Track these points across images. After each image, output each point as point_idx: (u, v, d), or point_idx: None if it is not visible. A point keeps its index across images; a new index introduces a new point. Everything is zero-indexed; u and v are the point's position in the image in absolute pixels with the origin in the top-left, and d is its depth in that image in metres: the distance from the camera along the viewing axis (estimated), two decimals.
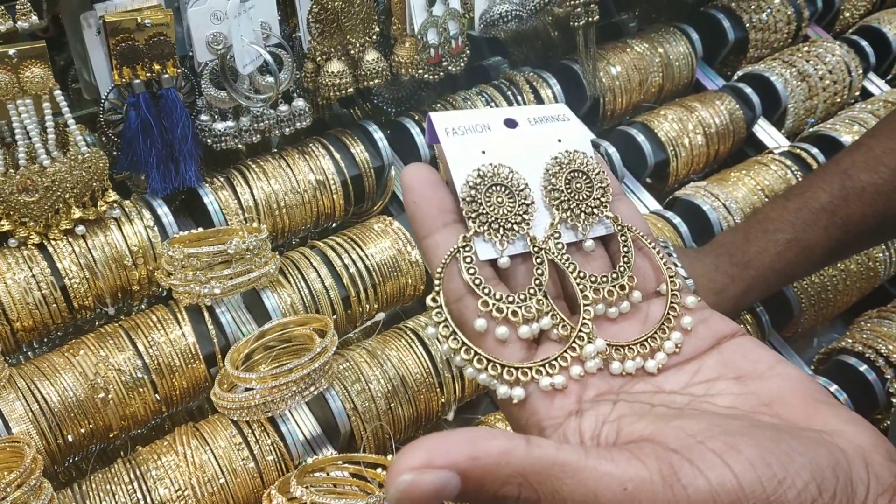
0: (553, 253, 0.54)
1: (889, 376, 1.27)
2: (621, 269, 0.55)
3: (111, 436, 1.07)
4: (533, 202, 0.54)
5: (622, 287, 0.54)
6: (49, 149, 1.08)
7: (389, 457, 1.05)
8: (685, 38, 1.68)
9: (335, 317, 1.18)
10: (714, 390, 0.48)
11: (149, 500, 0.97)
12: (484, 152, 0.54)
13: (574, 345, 0.51)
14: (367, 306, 1.22)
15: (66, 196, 1.09)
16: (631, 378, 0.51)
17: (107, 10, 1.10)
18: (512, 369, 0.49)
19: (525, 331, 0.51)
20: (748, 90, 1.64)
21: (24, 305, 1.08)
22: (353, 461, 1.05)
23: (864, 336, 1.33)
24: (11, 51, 1.01)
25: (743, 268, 1.04)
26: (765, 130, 1.66)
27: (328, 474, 1.03)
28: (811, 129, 1.67)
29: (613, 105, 1.59)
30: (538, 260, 0.53)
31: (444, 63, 1.33)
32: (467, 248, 0.52)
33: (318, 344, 1.05)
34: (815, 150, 1.56)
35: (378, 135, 1.34)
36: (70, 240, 1.12)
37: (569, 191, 0.55)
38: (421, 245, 0.53)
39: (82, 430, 1.03)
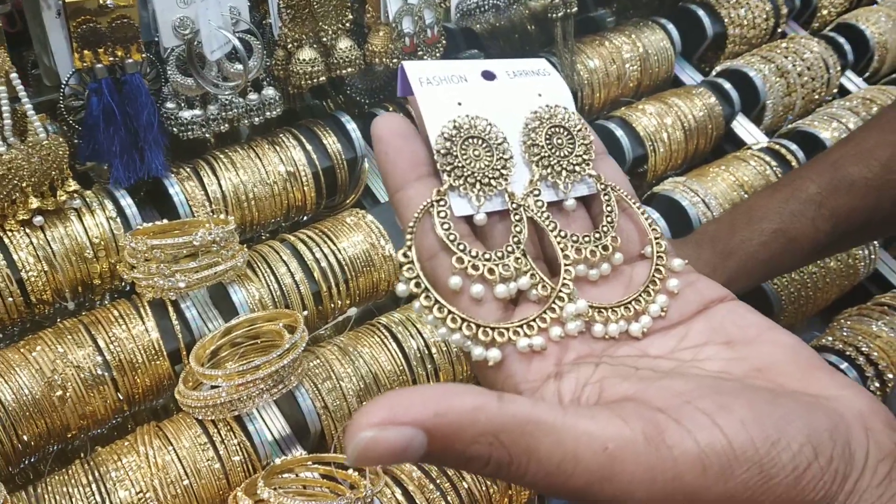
0: (532, 210, 0.51)
1: (870, 374, 1.25)
2: (604, 228, 0.52)
3: (69, 436, 1.02)
4: (511, 157, 0.51)
5: (605, 248, 0.51)
6: (6, 135, 1.03)
7: None
8: (664, 32, 1.66)
9: (306, 313, 1.14)
10: (702, 355, 0.45)
11: (108, 502, 0.93)
12: (460, 104, 0.51)
13: (554, 305, 0.48)
14: (339, 302, 1.18)
15: (24, 185, 1.04)
16: (614, 342, 0.48)
17: None
18: (488, 329, 0.46)
19: (502, 290, 0.48)
20: (727, 85, 1.62)
21: None
22: (323, 462, 1.00)
23: (845, 334, 1.31)
24: None
25: (725, 257, 1.01)
26: (743, 126, 1.64)
27: (297, 475, 0.99)
28: (790, 126, 1.65)
29: (591, 99, 1.56)
30: (517, 217, 0.50)
31: (420, 53, 1.30)
32: (441, 203, 0.49)
33: (287, 340, 1.01)
34: (794, 147, 1.54)
35: (351, 125, 1.30)
36: (27, 231, 1.07)
37: (549, 147, 0.52)
38: (392, 199, 0.50)
39: (38, 430, 0.98)
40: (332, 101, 1.47)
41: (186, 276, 1.05)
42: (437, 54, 1.32)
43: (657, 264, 0.51)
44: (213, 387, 1.00)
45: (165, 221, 1.12)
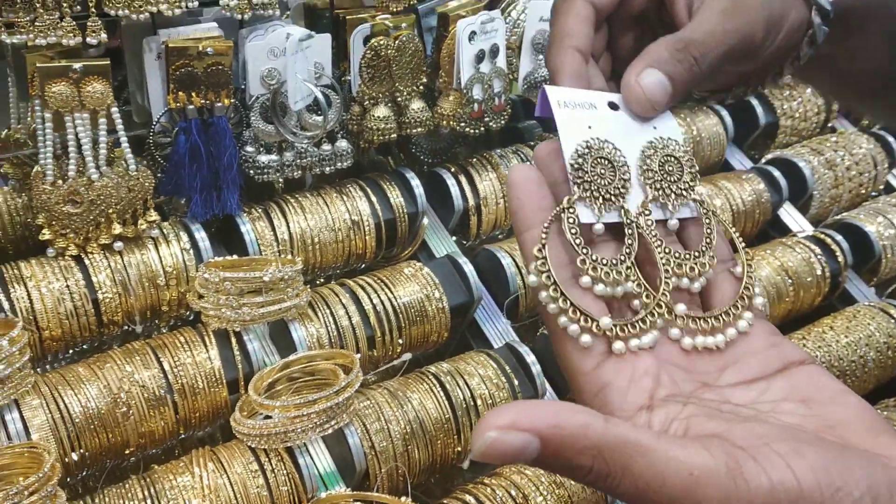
0: (642, 227, 0.57)
1: None
2: (703, 248, 0.58)
3: (126, 452, 1.07)
4: (629, 178, 0.58)
5: (703, 265, 0.57)
6: (99, 163, 1.10)
7: (403, 499, 1.04)
8: (717, 117, 1.71)
9: (359, 355, 1.18)
10: (780, 409, 0.50)
11: None
12: (590, 127, 0.58)
13: (654, 311, 0.54)
14: (392, 347, 1.22)
15: (109, 211, 1.11)
16: (701, 386, 0.52)
17: (170, 35, 1.14)
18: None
19: (617, 291, 0.54)
20: (776, 173, 1.67)
21: (56, 315, 1.09)
22: (366, 500, 1.04)
23: None
24: (77, 65, 1.04)
25: None
26: (790, 214, 1.68)
27: None
28: (836, 217, 1.69)
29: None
30: (629, 231, 0.56)
31: (486, 119, 1.36)
32: (571, 210, 0.55)
33: (342, 379, 1.05)
34: (839, 237, 1.58)
35: (415, 182, 1.36)
36: (107, 254, 1.13)
37: (662, 172, 0.59)
38: (520, 238, 0.56)
39: (100, 443, 1.03)
40: (395, 158, 1.54)
41: (252, 309, 1.10)
42: (502, 121, 1.39)
43: (746, 284, 0.57)
44: (266, 417, 1.04)
45: (235, 257, 1.18)
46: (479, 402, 1.17)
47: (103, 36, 1.05)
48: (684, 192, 0.59)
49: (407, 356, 1.18)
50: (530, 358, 1.23)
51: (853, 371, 1.41)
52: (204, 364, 1.10)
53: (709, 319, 0.55)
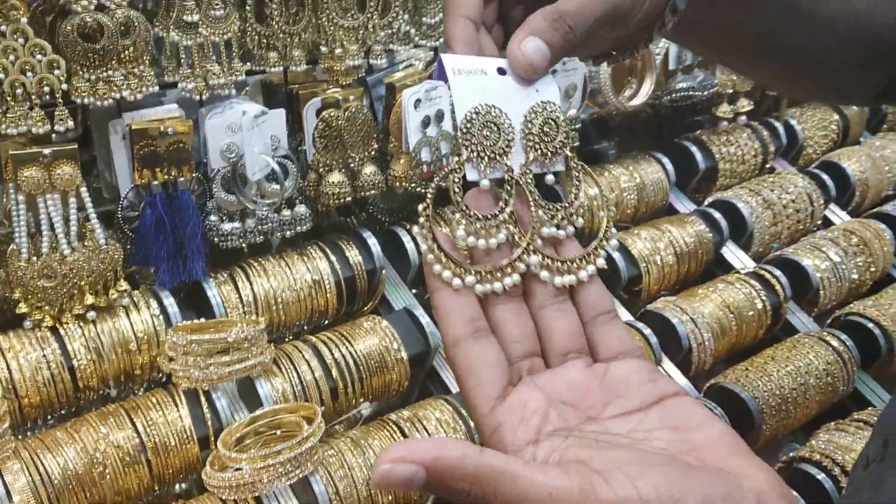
0: (522, 184, 0.65)
1: (843, 484, 1.34)
2: (572, 199, 0.66)
3: None
4: (513, 139, 0.66)
5: (571, 214, 0.66)
6: (71, 240, 1.18)
7: None
8: (659, 165, 1.82)
9: (323, 407, 1.25)
10: (653, 436, 0.58)
11: None
12: (481, 92, 0.66)
13: (522, 256, 0.62)
14: (354, 399, 1.30)
15: (82, 283, 1.19)
16: (585, 420, 0.60)
17: (133, 118, 1.23)
18: (472, 269, 0.60)
19: (492, 242, 0.62)
20: (717, 215, 1.77)
21: (34, 383, 1.16)
22: None
23: (822, 446, 1.41)
24: (47, 151, 1.13)
25: None
26: (732, 252, 1.78)
27: None
28: (776, 253, 1.79)
29: (591, 223, 1.71)
30: (508, 187, 0.64)
31: (436, 178, 1.45)
32: (458, 170, 0.63)
33: (305, 430, 1.12)
34: (778, 273, 1.67)
35: (372, 240, 1.45)
36: (81, 324, 1.21)
37: (541, 134, 0.67)
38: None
39: (78, 502, 1.09)
40: (356, 219, 1.62)
41: (219, 369, 1.18)
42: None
43: (605, 229, 0.66)
44: (236, 469, 1.11)
45: (203, 320, 1.26)
46: None
47: (70, 123, 1.14)
48: (558, 150, 0.67)
49: (365, 405, 1.26)
50: None
51: (794, 398, 1.49)
52: (175, 423, 1.17)
53: (566, 262, 0.63)
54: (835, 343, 1.58)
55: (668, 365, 1.53)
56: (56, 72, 1.12)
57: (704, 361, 1.56)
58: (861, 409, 1.56)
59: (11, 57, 1.09)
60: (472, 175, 0.64)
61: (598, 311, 0.68)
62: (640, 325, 1.52)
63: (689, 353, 1.54)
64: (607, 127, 1.98)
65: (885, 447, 0.83)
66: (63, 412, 1.24)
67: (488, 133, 0.65)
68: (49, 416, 1.22)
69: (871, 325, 1.66)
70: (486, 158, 0.64)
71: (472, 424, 1.27)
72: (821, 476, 1.36)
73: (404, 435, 1.23)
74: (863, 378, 1.64)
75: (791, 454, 1.44)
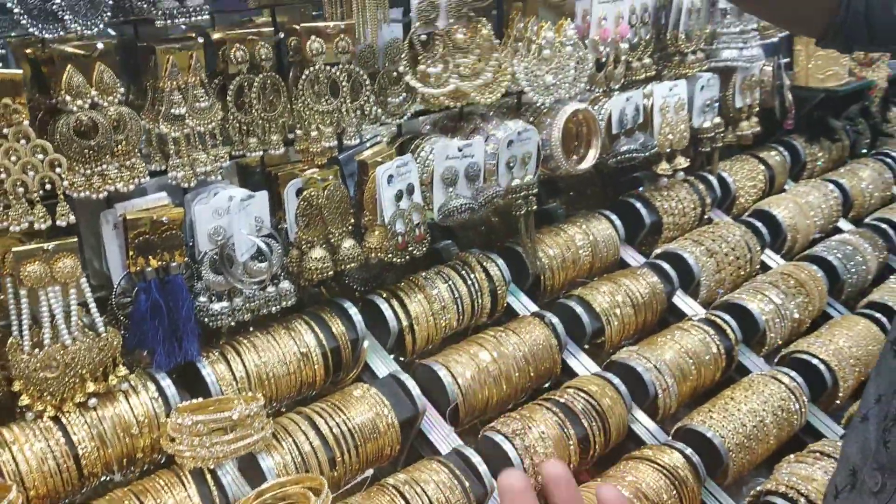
0: None
1: None
2: None
3: None
4: None
5: None
6: (71, 330, 1.21)
7: None
8: (609, 222, 1.93)
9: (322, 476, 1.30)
10: None
11: None
12: None
13: None
14: (350, 466, 1.34)
15: (83, 372, 1.22)
16: None
17: (125, 208, 1.27)
18: None
19: None
20: (666, 266, 1.89)
21: (41, 474, 1.18)
22: None
23: (785, 479, 1.51)
24: (49, 245, 1.17)
25: None
26: (682, 300, 1.90)
27: None
28: (722, 299, 1.92)
29: (553, 281, 1.81)
30: None
31: (410, 248, 1.53)
32: None
33: (313, 501, 1.17)
34: (727, 317, 1.79)
35: (353, 310, 1.51)
36: (82, 412, 1.23)
37: None
38: None
39: None
40: (328, 289, 1.68)
41: (225, 446, 1.22)
42: (424, 248, 1.56)
43: None
44: None
45: (200, 399, 1.29)
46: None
47: (72, 218, 1.18)
48: None
49: (369, 472, 1.31)
50: (476, 459, 1.37)
51: (756, 435, 1.60)
52: (185, 502, 1.20)
53: None
54: (786, 380, 1.71)
55: (638, 412, 1.62)
56: (58, 169, 1.16)
57: (670, 406, 1.66)
58: (815, 441, 1.68)
59: (13, 157, 1.13)
60: None
61: None
62: (608, 374, 1.61)
63: (654, 398, 1.63)
64: (556, 187, 2.09)
65: (853, 476, 0.92)
66: (67, 501, 1.25)
67: None
68: None
69: (815, 361, 1.79)
70: None
71: (467, 485, 1.34)
72: None
73: (405, 499, 1.29)
74: (813, 412, 1.76)
75: (759, 488, 1.54)
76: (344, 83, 1.43)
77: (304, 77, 1.40)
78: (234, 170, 1.54)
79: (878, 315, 1.99)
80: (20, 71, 1.13)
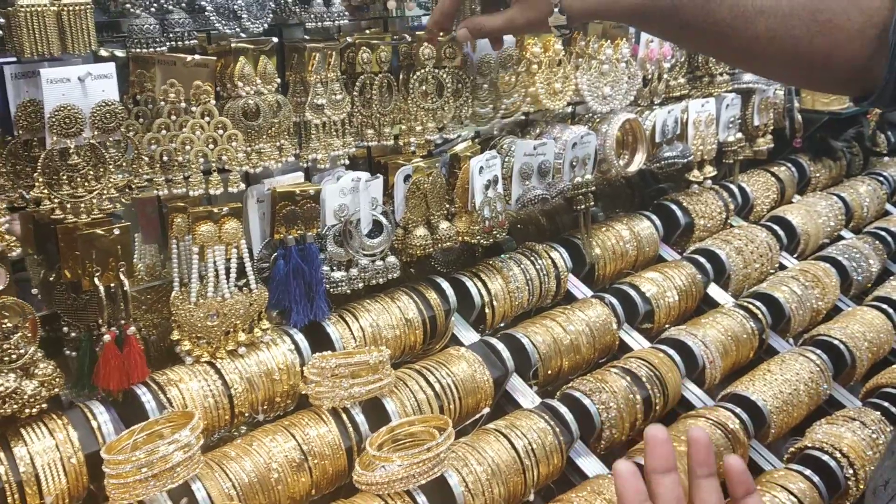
0: None
1: (844, 464, 1.67)
2: None
3: None
4: None
5: None
6: (230, 286, 1.40)
7: None
8: (650, 222, 2.16)
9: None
10: None
11: None
12: None
13: None
14: (457, 415, 1.54)
15: (238, 322, 1.41)
16: None
17: (273, 184, 1.47)
18: None
19: None
20: (702, 259, 2.12)
21: (203, 409, 1.35)
22: None
23: (821, 437, 1.74)
24: (220, 209, 1.36)
25: None
26: (716, 291, 2.13)
27: None
28: (752, 289, 2.15)
29: (604, 270, 2.03)
30: None
31: (494, 232, 1.74)
32: None
33: (442, 434, 1.36)
34: (758, 303, 2.03)
35: (445, 285, 1.71)
36: (232, 358, 1.41)
37: None
38: None
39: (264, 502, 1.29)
40: (413, 267, 1.87)
41: (360, 387, 1.41)
42: (504, 233, 1.77)
43: None
44: (382, 468, 1.33)
45: (329, 352, 1.48)
46: (534, 446, 1.49)
47: (241, 186, 1.38)
48: None
49: (485, 410, 1.50)
50: (563, 409, 1.57)
51: (791, 401, 1.82)
52: (325, 436, 1.38)
53: None
54: (813, 357, 1.94)
55: (687, 382, 1.84)
56: (234, 143, 1.36)
57: (715, 377, 1.88)
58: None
59: (198, 132, 1.33)
60: None
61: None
62: (663, 346, 1.83)
63: (702, 370, 1.86)
64: (594, 193, 2.32)
65: None
66: (215, 437, 1.43)
67: None
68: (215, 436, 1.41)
69: (836, 342, 2.03)
70: None
71: (558, 430, 1.54)
72: (826, 458, 1.68)
73: (509, 441, 1.48)
74: (836, 386, 1.99)
75: (797, 445, 1.76)
76: (448, 85, 1.65)
77: (414, 78, 1.61)
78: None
79: (884, 306, 2.24)
80: (213, 58, 1.33)
